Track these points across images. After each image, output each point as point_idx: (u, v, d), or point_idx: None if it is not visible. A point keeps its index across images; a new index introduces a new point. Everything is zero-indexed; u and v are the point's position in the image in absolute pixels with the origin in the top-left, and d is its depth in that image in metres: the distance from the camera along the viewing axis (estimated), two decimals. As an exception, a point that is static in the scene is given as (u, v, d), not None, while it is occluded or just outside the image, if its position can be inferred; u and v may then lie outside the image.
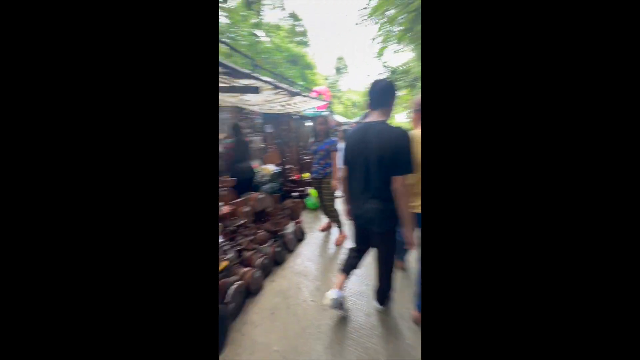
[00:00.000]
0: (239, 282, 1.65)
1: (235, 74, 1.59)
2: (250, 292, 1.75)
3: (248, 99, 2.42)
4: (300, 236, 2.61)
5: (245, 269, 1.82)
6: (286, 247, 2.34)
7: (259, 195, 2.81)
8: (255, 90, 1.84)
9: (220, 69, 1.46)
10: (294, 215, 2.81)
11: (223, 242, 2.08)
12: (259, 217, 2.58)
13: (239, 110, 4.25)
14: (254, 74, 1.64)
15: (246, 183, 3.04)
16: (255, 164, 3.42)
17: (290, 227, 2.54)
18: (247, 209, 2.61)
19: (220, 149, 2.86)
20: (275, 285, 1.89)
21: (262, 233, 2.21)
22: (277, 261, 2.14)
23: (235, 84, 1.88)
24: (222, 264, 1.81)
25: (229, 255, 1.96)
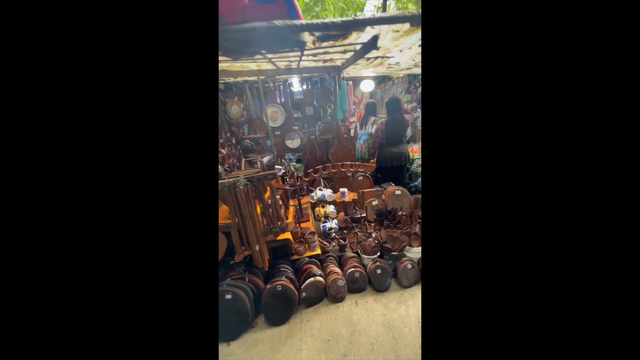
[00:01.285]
0: (320, 278, 1.55)
1: (329, 36, 1.18)
2: (327, 294, 1.57)
3: (396, 61, 1.76)
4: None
5: (334, 269, 1.64)
6: (395, 275, 1.63)
7: (397, 190, 2.19)
8: (373, 43, 1.24)
9: (312, 36, 1.17)
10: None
11: (334, 228, 2.04)
12: (385, 217, 2.05)
13: (410, 80, 3.35)
14: (359, 17, 1.06)
15: (393, 171, 2.51)
16: (413, 148, 2.62)
17: (415, 252, 1.68)
18: (375, 202, 2.21)
19: (372, 130, 2.59)
20: (355, 314, 1.47)
21: (370, 240, 1.76)
22: (372, 283, 1.61)
23: (349, 48, 1.44)
24: (317, 250, 1.81)
25: (331, 245, 1.89)
